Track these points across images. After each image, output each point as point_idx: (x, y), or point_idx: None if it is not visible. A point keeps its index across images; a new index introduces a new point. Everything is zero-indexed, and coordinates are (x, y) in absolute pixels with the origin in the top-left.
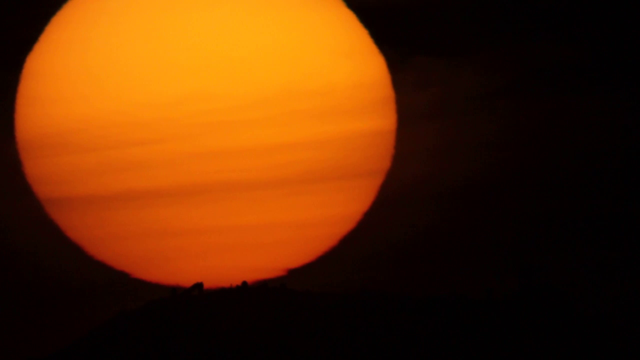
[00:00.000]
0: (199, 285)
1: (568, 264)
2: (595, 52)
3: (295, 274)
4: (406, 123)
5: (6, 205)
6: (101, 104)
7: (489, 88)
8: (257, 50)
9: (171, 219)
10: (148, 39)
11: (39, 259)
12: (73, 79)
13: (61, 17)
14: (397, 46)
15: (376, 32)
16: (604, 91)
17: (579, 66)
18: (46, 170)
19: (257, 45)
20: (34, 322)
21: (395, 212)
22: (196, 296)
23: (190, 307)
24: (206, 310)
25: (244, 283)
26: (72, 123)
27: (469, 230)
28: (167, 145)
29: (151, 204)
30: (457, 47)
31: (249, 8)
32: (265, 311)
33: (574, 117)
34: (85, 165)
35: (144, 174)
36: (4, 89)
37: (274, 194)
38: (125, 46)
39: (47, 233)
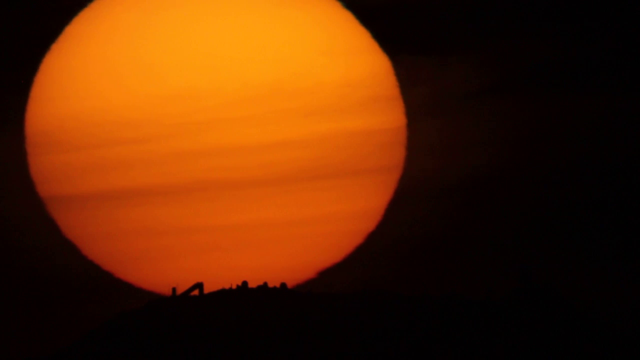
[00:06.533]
0: (199, 285)
1: (568, 264)
2: (585, 49)
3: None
4: None
5: (9, 202)
6: (97, 103)
7: (479, 86)
8: (255, 50)
9: (171, 218)
10: (141, 39)
11: (39, 258)
12: (73, 79)
13: (78, 21)
14: (386, 45)
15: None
16: (594, 88)
17: (569, 64)
18: (46, 168)
19: (254, 45)
20: (34, 321)
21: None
22: (196, 296)
23: (190, 307)
24: (206, 310)
25: (244, 283)
26: (70, 122)
27: (467, 232)
28: (169, 144)
29: (151, 202)
30: (447, 46)
31: (240, 8)
32: (265, 311)
33: (565, 113)
34: (83, 164)
35: (144, 173)
36: (21, 91)
37: (275, 191)
38: (119, 47)
39: (47, 231)
